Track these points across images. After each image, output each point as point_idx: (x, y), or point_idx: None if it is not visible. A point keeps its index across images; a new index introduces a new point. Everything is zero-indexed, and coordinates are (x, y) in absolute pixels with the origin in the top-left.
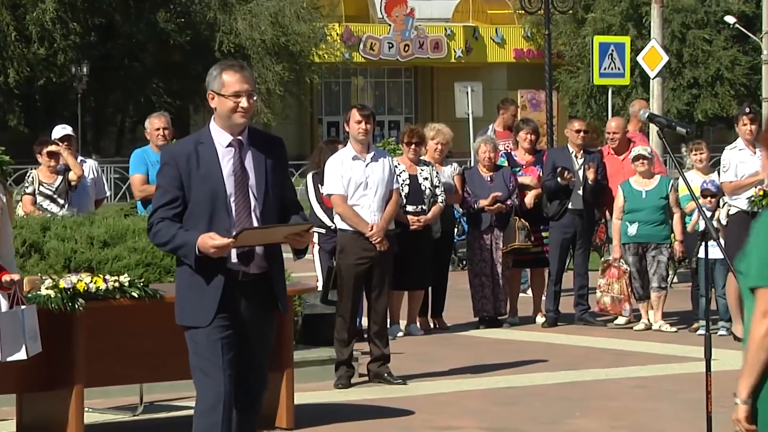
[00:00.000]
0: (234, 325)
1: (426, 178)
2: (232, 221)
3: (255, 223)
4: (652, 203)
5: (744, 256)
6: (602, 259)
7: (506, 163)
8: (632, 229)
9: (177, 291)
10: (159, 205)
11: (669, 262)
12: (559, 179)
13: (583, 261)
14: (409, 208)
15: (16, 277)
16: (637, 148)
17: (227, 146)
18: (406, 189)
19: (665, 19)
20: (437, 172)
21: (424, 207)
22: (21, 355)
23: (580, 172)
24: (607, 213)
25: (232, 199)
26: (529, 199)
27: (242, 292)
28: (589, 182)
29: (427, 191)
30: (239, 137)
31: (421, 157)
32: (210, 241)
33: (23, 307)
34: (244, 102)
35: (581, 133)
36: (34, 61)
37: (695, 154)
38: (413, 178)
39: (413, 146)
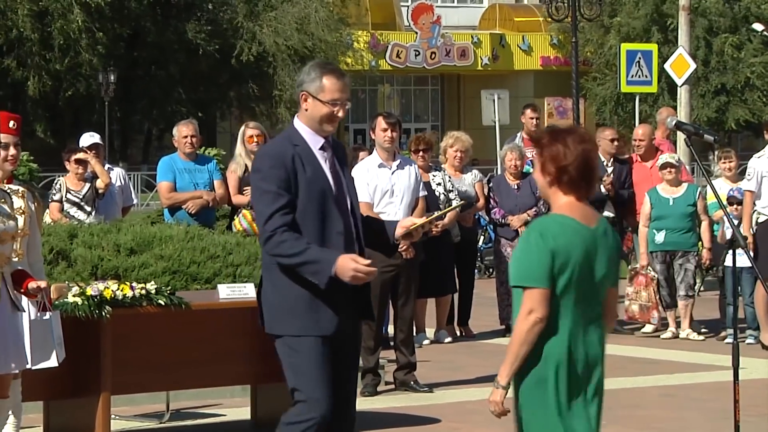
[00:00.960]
0: (331, 339)
1: (439, 184)
2: (342, 222)
3: (353, 224)
4: (680, 210)
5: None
6: (629, 267)
7: (532, 170)
8: (660, 237)
9: (274, 299)
10: (275, 210)
11: (696, 270)
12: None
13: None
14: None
15: (42, 284)
16: (664, 156)
17: (320, 149)
18: (425, 194)
19: (690, 24)
20: (450, 177)
21: None
22: (52, 362)
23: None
24: (634, 221)
25: (337, 204)
26: None
27: (345, 301)
28: (606, 192)
29: (442, 197)
30: (328, 139)
31: (443, 165)
32: (352, 263)
33: (49, 314)
34: (340, 112)
35: (615, 142)
36: (57, 71)
37: (724, 162)
38: (426, 185)
39: (421, 153)
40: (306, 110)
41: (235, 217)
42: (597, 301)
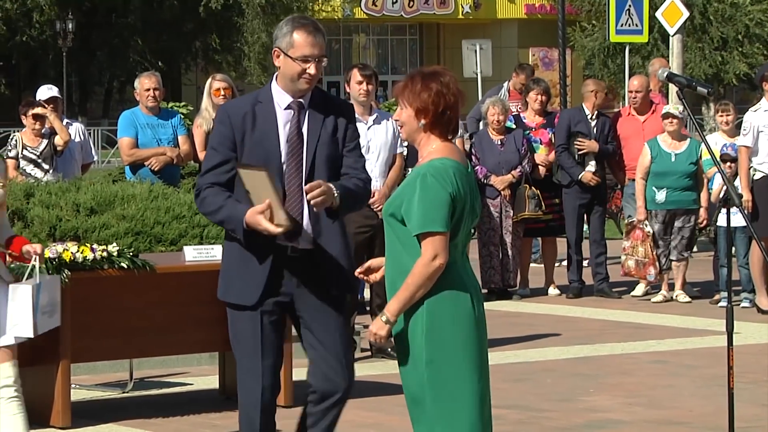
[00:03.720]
0: (286, 308)
1: None
2: (284, 189)
3: (303, 193)
4: (682, 168)
5: (395, 203)
6: (626, 221)
7: (514, 126)
8: (660, 196)
9: (223, 264)
10: (208, 168)
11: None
12: (570, 151)
13: (600, 226)
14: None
15: (38, 248)
16: (668, 106)
17: (286, 108)
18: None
19: None
20: None
21: None
22: (26, 332)
23: (596, 133)
24: (624, 178)
25: (285, 167)
26: (542, 168)
27: (293, 269)
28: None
29: None
30: (300, 99)
31: None
32: (261, 224)
33: (40, 279)
34: (311, 68)
35: (597, 94)
36: (9, 17)
37: (721, 116)
38: None
39: None
40: (279, 67)
41: None
42: (470, 235)
